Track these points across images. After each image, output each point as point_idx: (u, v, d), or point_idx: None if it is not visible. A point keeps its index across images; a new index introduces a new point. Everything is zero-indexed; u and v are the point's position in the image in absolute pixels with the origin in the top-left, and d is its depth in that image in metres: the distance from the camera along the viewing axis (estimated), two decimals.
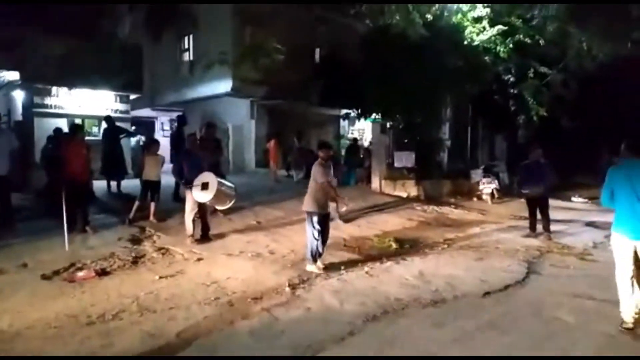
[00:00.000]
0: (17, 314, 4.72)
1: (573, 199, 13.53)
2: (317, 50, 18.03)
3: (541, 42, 12.32)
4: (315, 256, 6.26)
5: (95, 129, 13.48)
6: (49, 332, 4.32)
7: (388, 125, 13.91)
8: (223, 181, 7.32)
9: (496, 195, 12.80)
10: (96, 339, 4.19)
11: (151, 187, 8.67)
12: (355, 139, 17.72)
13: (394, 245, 7.68)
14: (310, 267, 6.24)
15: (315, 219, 6.24)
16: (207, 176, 7.11)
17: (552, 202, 11.72)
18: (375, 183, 13.48)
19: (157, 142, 9.50)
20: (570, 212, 11.28)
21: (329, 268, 6.31)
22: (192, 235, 7.54)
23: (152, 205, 8.71)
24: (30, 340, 4.18)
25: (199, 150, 8.31)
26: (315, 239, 6.23)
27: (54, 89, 12.83)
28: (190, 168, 7.53)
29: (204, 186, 7.01)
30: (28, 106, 12.56)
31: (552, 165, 8.66)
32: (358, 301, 5.04)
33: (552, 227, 8.91)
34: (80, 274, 5.94)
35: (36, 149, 11.49)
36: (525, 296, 5.32)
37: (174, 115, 21.73)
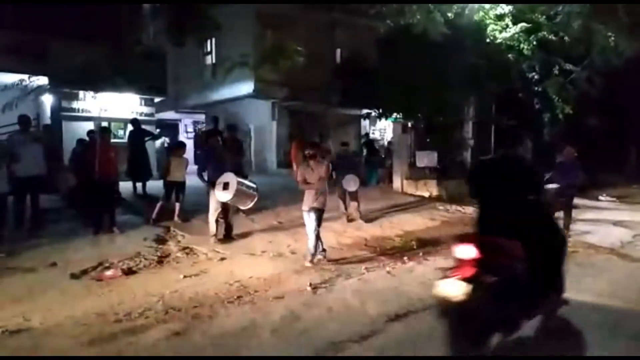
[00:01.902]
0: (47, 311, 4.86)
1: (600, 197, 13.23)
2: (338, 51, 18.05)
3: (565, 39, 12.10)
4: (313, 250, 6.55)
5: (121, 132, 13.77)
6: (77, 330, 4.44)
7: (409, 124, 13.84)
8: (244, 181, 7.41)
9: None
10: (123, 336, 4.29)
11: (176, 188, 8.83)
12: (366, 134, 17.69)
13: (416, 245, 7.64)
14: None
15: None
16: (228, 176, 7.24)
17: (579, 201, 11.52)
18: (396, 183, 13.43)
19: (183, 145, 9.68)
20: (598, 212, 11.04)
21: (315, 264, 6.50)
22: (215, 235, 7.68)
23: (177, 205, 8.87)
24: (60, 337, 4.31)
25: (223, 151, 8.46)
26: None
27: (81, 93, 13.15)
28: (214, 169, 7.65)
29: (225, 186, 7.13)
30: (56, 110, 12.91)
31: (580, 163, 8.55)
32: (380, 301, 5.04)
33: (579, 226, 8.78)
34: (108, 273, 6.08)
35: (64, 151, 11.79)
36: None
37: (197, 117, 22.15)
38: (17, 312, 4.81)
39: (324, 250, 6.72)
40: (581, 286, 5.49)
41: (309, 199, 6.55)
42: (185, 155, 9.25)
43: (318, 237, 6.54)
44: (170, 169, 8.80)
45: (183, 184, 8.93)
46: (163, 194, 8.91)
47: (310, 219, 6.53)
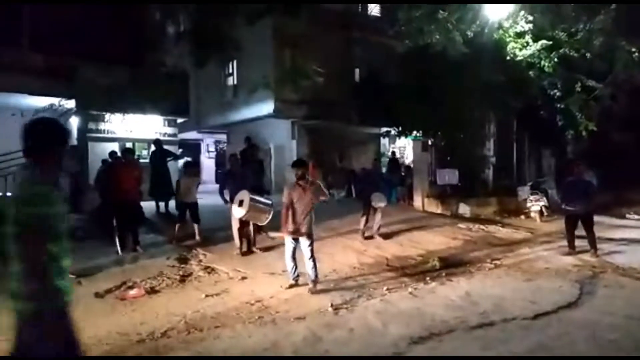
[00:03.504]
0: None
1: (628, 215, 12.89)
2: (357, 70, 18.20)
3: (587, 55, 11.99)
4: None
5: (145, 152, 14.04)
6: (101, 349, 4.46)
7: (429, 142, 13.80)
8: (258, 198, 7.55)
9: (545, 213, 12.38)
10: (146, 356, 4.30)
11: (189, 209, 8.92)
12: (393, 153, 17.66)
13: (439, 265, 7.54)
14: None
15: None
16: (243, 194, 7.40)
17: (606, 220, 11.27)
18: (417, 201, 13.34)
19: (192, 165, 9.85)
20: (625, 230, 10.75)
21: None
22: (240, 249, 7.97)
23: (196, 225, 8.95)
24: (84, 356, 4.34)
25: (243, 170, 8.66)
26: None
27: (107, 115, 13.49)
28: (234, 188, 7.81)
29: (241, 203, 7.29)
30: (83, 131, 13.25)
31: (604, 181, 8.40)
32: (402, 323, 4.96)
33: (606, 246, 8.57)
34: (131, 292, 6.14)
35: (90, 171, 12.06)
36: (578, 318, 5.09)
37: (219, 137, 22.48)
38: None
39: (298, 276, 6.35)
40: (611, 309, 5.35)
41: (296, 222, 6.15)
42: (196, 176, 9.39)
43: (315, 262, 6.20)
44: (181, 190, 8.92)
45: (194, 204, 8.99)
46: (178, 215, 9.05)
47: (303, 245, 6.15)
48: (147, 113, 13.89)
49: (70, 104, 12.56)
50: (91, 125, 13.31)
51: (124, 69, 12.72)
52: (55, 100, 12.19)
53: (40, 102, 12.06)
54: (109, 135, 13.52)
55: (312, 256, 6.18)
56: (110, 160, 10.76)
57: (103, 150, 12.14)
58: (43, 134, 2.52)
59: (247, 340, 4.62)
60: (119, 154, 10.97)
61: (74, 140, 13.51)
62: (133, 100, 12.91)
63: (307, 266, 6.19)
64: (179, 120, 15.34)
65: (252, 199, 7.23)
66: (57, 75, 11.63)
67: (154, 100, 13.17)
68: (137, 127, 14.05)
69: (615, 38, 11.51)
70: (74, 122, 13.45)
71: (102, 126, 13.49)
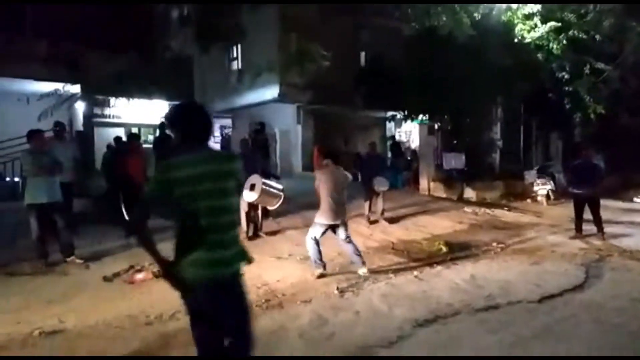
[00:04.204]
0: (80, 314, 4.98)
1: (635, 199, 12.81)
2: (363, 54, 18.03)
3: (597, 37, 11.78)
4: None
5: (150, 137, 14.06)
6: (110, 332, 4.53)
7: (436, 126, 13.71)
8: (269, 182, 7.56)
9: (552, 197, 12.33)
10: (154, 339, 4.36)
11: None
12: (392, 136, 17.60)
13: (444, 249, 7.55)
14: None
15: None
16: (254, 178, 7.41)
17: (613, 203, 11.21)
18: (423, 185, 13.32)
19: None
20: (633, 214, 10.69)
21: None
22: (246, 233, 8.06)
23: None
24: (93, 340, 4.40)
25: (253, 154, 8.75)
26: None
27: (112, 100, 13.50)
28: (245, 172, 7.85)
29: (252, 187, 7.30)
30: (88, 116, 13.28)
31: (611, 164, 8.34)
32: (407, 306, 4.99)
33: (613, 229, 8.54)
34: (139, 276, 6.20)
35: (96, 156, 12.11)
36: (584, 302, 5.09)
37: (224, 122, 22.44)
38: (52, 314, 4.95)
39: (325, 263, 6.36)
40: (618, 292, 5.35)
41: (337, 211, 6.12)
42: None
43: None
44: None
45: None
46: None
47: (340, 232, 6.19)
48: (152, 98, 13.89)
49: (75, 88, 12.58)
50: (97, 110, 13.35)
51: (129, 54, 12.71)
52: (59, 86, 12.20)
53: (45, 87, 12.07)
54: (115, 120, 13.55)
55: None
56: (115, 145, 10.80)
57: (109, 134, 12.18)
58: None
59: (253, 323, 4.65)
60: (124, 138, 11.00)
61: (79, 126, 13.57)
62: (138, 85, 12.91)
63: (351, 252, 6.25)
64: None
65: (264, 183, 7.25)
66: (62, 61, 11.66)
67: (159, 84, 13.17)
68: (142, 112, 14.05)
69: (626, 19, 11.29)
70: (80, 107, 13.49)
71: (107, 111, 13.53)
